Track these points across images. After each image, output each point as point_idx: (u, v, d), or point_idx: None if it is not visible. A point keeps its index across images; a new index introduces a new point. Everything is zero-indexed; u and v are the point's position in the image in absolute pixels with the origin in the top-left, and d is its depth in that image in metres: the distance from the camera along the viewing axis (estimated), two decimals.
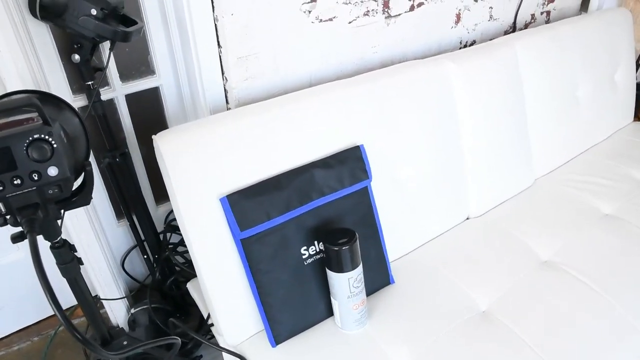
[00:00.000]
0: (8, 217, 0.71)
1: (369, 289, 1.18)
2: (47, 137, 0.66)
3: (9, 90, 1.07)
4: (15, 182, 0.66)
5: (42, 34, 1.22)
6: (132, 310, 1.49)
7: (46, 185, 0.68)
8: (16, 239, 0.74)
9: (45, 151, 0.66)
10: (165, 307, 1.53)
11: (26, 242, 1.40)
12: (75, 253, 0.85)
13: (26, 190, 0.67)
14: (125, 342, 1.06)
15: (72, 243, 0.84)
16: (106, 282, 1.45)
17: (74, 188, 0.76)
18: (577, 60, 1.74)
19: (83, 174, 0.82)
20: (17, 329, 1.62)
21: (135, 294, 1.66)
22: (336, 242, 1.01)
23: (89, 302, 0.90)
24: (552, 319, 1.12)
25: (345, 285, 1.04)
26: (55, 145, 0.67)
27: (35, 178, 0.67)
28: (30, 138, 0.65)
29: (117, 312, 1.53)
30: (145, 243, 1.54)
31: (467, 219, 1.51)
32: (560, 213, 1.49)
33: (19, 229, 0.75)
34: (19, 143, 0.65)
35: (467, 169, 1.46)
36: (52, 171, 0.67)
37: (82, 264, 0.85)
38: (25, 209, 0.67)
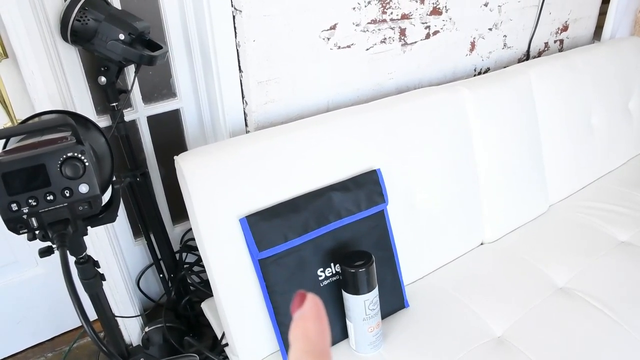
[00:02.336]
0: (37, 232, 0.74)
1: (384, 312, 1.18)
2: (80, 155, 0.69)
3: (38, 111, 1.11)
4: (48, 198, 0.68)
5: (71, 57, 1.26)
6: (147, 329, 1.50)
7: (77, 202, 0.70)
8: (44, 253, 0.77)
9: (78, 169, 0.68)
10: (179, 326, 1.54)
11: (46, 258, 1.42)
12: (99, 269, 0.87)
13: (58, 206, 0.69)
14: (142, 359, 1.07)
15: (95, 259, 0.86)
16: (122, 299, 1.47)
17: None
18: (590, 88, 1.76)
19: (110, 192, 0.85)
20: (32, 344, 1.64)
21: (149, 313, 1.67)
22: (353, 264, 1.02)
23: (109, 318, 0.92)
24: (568, 345, 1.12)
25: (361, 307, 1.05)
26: (87, 164, 0.69)
27: (67, 195, 0.69)
28: (64, 156, 0.68)
29: (131, 330, 1.54)
30: (161, 262, 1.55)
31: (482, 244, 1.51)
32: (575, 240, 1.49)
33: (47, 244, 0.78)
34: (54, 160, 0.68)
35: (482, 194, 1.47)
36: (83, 188, 0.70)
37: (105, 279, 0.87)
38: (56, 225, 0.69)
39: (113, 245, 1.40)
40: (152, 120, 1.50)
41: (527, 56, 1.98)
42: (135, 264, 1.66)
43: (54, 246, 0.75)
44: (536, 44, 1.99)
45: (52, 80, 1.13)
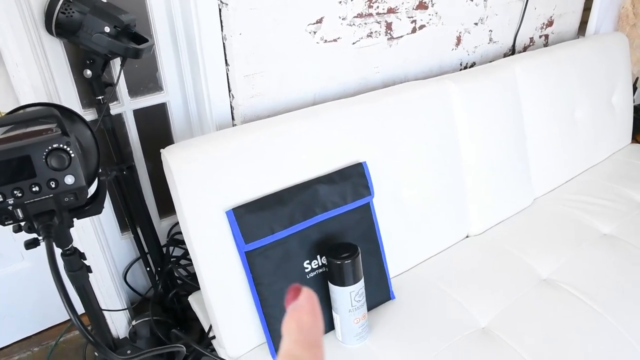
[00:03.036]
0: (23, 223, 0.74)
1: (370, 304, 1.19)
2: (65, 146, 0.69)
3: (22, 104, 1.10)
4: (33, 189, 0.68)
5: (56, 50, 1.25)
6: (134, 322, 1.50)
7: (62, 193, 0.70)
8: (30, 245, 0.77)
9: (63, 160, 0.68)
10: (166, 320, 1.54)
11: (31, 252, 1.41)
12: (85, 261, 0.87)
13: (44, 198, 0.69)
14: (129, 352, 1.07)
15: (82, 251, 0.86)
16: (109, 293, 1.47)
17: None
18: (575, 82, 1.79)
19: (95, 185, 0.85)
20: (18, 339, 1.63)
21: (136, 307, 1.67)
22: (339, 256, 1.03)
23: (95, 310, 0.92)
24: (551, 335, 1.14)
25: (347, 299, 1.06)
26: (72, 155, 0.69)
27: (53, 186, 0.69)
28: (50, 147, 0.68)
29: (118, 324, 1.54)
30: (148, 256, 1.55)
31: (467, 237, 1.53)
32: (559, 232, 1.51)
33: (32, 236, 0.78)
34: (39, 152, 0.68)
35: (467, 187, 1.48)
36: (69, 179, 0.70)
37: (91, 272, 0.87)
38: (41, 216, 0.69)
39: (100, 239, 1.40)
40: (139, 113, 1.49)
41: (512, 51, 2.00)
42: (122, 257, 1.66)
43: (39, 238, 0.75)
44: (521, 39, 2.01)
45: (36, 73, 1.12)
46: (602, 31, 2.17)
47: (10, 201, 0.68)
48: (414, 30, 1.62)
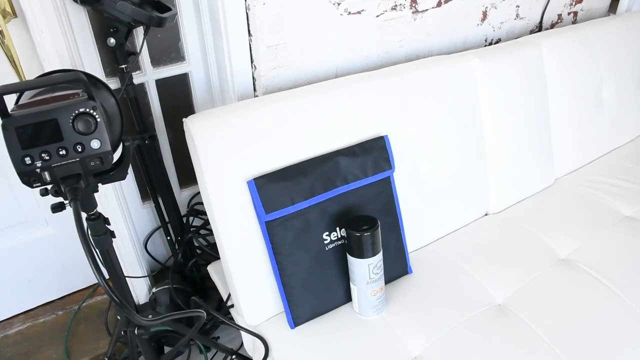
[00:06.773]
0: (50, 187, 0.75)
1: (387, 277, 1.20)
2: (91, 111, 0.70)
3: (47, 70, 1.12)
4: (60, 152, 0.70)
5: (80, 18, 1.26)
6: (154, 290, 1.54)
7: (89, 157, 0.71)
8: (56, 208, 0.78)
9: (90, 124, 0.69)
10: (185, 288, 1.57)
11: (56, 219, 1.44)
12: (109, 226, 0.88)
13: (70, 161, 0.71)
14: (150, 316, 1.10)
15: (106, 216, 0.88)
16: (130, 260, 1.50)
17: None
18: (603, 61, 1.74)
19: (119, 151, 0.86)
20: (43, 302, 1.68)
21: (155, 275, 1.71)
22: (358, 228, 1.03)
23: (119, 275, 0.94)
24: (568, 315, 1.14)
25: (365, 271, 1.06)
26: (98, 119, 0.70)
27: (79, 150, 0.70)
28: (77, 111, 0.69)
29: (139, 291, 1.57)
30: (169, 225, 1.58)
31: (486, 214, 1.52)
32: (579, 213, 1.49)
33: (59, 200, 0.79)
34: (66, 116, 0.69)
35: (488, 165, 1.47)
36: (95, 144, 0.71)
37: (115, 237, 0.89)
38: (68, 179, 0.71)
39: (122, 208, 1.42)
40: (161, 83, 1.50)
41: (539, 28, 1.95)
42: (143, 226, 1.68)
43: (65, 202, 0.77)
44: (549, 15, 1.96)
45: (61, 40, 1.13)
46: (635, 9, 2.10)
47: (38, 164, 0.69)
48: (439, 4, 1.59)
